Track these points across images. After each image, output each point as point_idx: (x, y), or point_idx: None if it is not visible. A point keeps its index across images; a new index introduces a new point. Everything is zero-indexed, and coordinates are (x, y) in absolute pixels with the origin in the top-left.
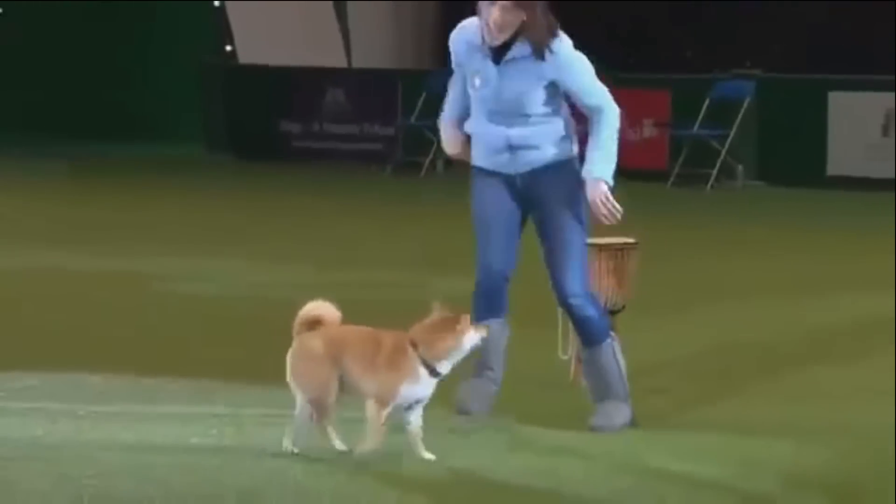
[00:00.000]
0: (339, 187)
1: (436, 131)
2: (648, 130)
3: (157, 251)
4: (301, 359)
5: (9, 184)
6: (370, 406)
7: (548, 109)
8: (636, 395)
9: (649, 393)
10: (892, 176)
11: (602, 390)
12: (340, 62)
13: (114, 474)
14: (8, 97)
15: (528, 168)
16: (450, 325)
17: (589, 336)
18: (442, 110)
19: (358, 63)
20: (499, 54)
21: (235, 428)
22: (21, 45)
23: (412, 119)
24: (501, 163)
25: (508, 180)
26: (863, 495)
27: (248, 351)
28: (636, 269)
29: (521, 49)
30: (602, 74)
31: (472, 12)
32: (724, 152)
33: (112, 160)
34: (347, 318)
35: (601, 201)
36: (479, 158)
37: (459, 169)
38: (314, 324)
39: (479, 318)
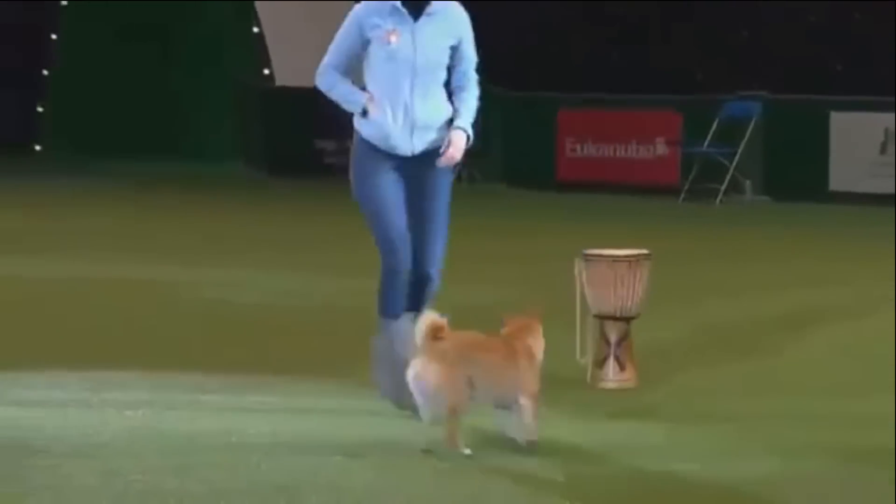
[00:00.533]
0: None
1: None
2: (661, 148)
3: (199, 261)
4: (437, 366)
5: (61, 201)
6: (528, 402)
7: (444, 79)
8: (653, 384)
9: (662, 383)
10: (891, 191)
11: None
12: None
13: (159, 471)
14: (64, 119)
15: (422, 149)
16: (537, 326)
17: (424, 304)
18: None
19: None
20: (417, 11)
21: (272, 426)
22: (80, 70)
23: None
24: (398, 144)
25: (401, 162)
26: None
27: (281, 352)
28: (649, 278)
29: (437, 4)
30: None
31: (500, 37)
32: (732, 169)
33: (157, 176)
34: (371, 323)
35: (456, 148)
36: (376, 136)
37: (484, 183)
38: (439, 332)
39: (393, 311)
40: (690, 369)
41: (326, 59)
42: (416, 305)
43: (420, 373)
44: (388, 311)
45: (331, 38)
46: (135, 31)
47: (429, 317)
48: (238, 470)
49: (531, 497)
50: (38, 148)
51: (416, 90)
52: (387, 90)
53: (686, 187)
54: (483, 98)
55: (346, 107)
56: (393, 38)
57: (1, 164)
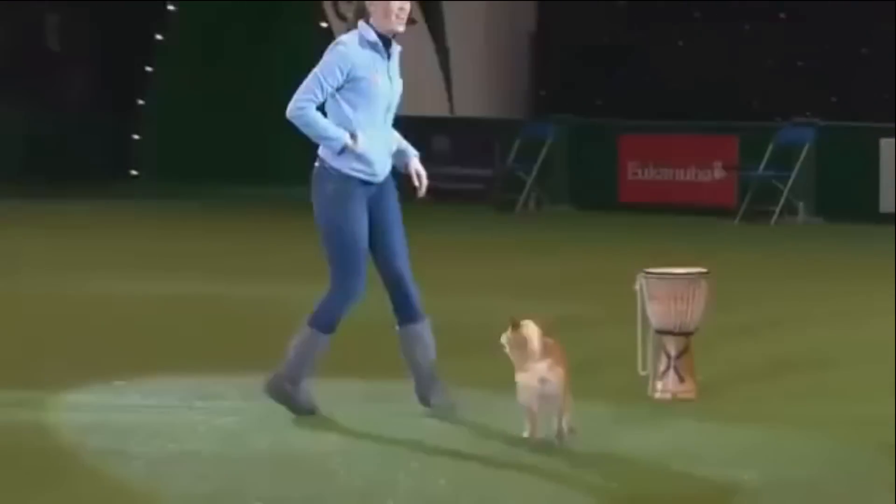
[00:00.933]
0: (443, 222)
1: (528, 172)
2: (718, 172)
3: (286, 278)
4: (560, 369)
5: (154, 223)
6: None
7: None
8: (712, 395)
9: (721, 395)
10: None
11: (432, 369)
12: (444, 111)
13: (245, 478)
14: (158, 146)
15: (385, 175)
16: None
17: (417, 310)
18: (513, 156)
19: (460, 112)
20: (388, 50)
21: (352, 432)
22: (173, 99)
23: (508, 162)
24: (378, 171)
25: (370, 189)
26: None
27: (359, 362)
28: (708, 295)
29: (395, 44)
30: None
31: (565, 70)
32: (786, 192)
33: (245, 199)
34: (450, 337)
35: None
36: (358, 167)
37: (551, 205)
38: (550, 335)
39: (333, 328)
40: (749, 381)
41: (307, 95)
42: (410, 313)
43: (547, 375)
44: (331, 328)
45: (406, 67)
46: (222, 61)
47: (533, 325)
48: (320, 476)
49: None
50: (134, 173)
51: (388, 122)
52: (368, 123)
53: (743, 209)
54: (550, 124)
55: (324, 143)
56: (379, 79)
57: (99, 189)
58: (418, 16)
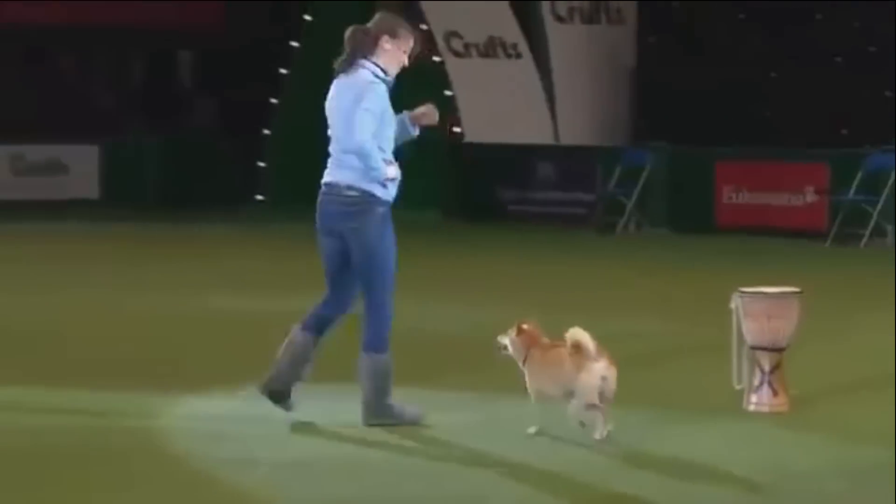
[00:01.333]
0: (547, 244)
1: (628, 197)
2: (810, 197)
3: (404, 295)
4: (615, 369)
5: (279, 245)
6: None
7: None
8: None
9: (814, 408)
10: None
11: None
12: (549, 139)
13: (370, 487)
14: (282, 173)
15: None
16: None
17: (329, 334)
18: (613, 181)
19: (564, 140)
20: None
21: (446, 441)
22: (296, 129)
23: (609, 188)
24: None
25: None
26: None
27: (470, 373)
28: (800, 313)
29: None
30: None
31: (655, 96)
32: (875, 215)
33: None
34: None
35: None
36: (394, 192)
37: (650, 228)
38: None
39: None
40: (840, 395)
41: (368, 129)
42: (326, 330)
43: (607, 373)
44: (386, 346)
45: (513, 98)
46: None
47: (580, 330)
48: (432, 481)
49: None
50: (260, 198)
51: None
52: (388, 151)
53: (833, 232)
54: (648, 151)
55: (375, 173)
56: (392, 112)
57: (228, 213)
58: (524, 50)
